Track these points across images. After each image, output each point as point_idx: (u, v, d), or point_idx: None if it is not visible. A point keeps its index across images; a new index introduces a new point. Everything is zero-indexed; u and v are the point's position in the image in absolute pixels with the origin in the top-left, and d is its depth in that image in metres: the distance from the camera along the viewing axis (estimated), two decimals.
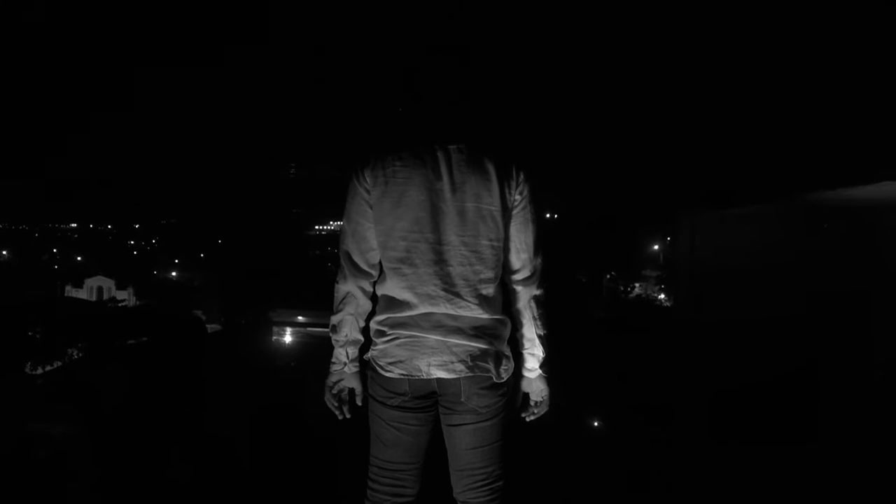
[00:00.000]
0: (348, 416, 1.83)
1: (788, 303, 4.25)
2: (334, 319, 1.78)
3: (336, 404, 1.82)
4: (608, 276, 37.36)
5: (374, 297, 1.81)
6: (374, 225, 1.70)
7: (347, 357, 1.80)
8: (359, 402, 1.83)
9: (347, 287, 1.76)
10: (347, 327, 1.78)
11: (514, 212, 1.71)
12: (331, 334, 1.80)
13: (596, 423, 5.57)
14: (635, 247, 37.41)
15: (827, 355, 4.12)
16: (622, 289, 37.63)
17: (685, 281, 5.63)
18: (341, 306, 1.77)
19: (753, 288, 4.56)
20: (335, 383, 1.82)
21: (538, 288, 1.78)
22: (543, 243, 1.77)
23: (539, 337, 1.80)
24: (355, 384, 1.82)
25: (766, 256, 4.55)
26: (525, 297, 1.78)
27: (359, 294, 1.77)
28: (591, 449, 4.50)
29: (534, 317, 1.79)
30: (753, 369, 4.41)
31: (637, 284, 38.64)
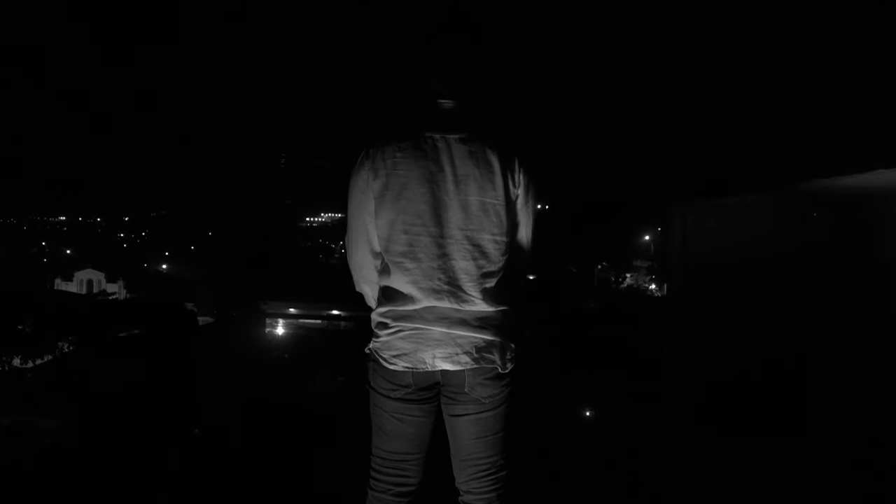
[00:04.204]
0: None
1: (782, 291, 4.26)
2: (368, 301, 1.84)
3: None
4: (599, 267, 37.47)
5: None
6: (376, 219, 1.67)
7: None
8: None
9: (366, 289, 1.81)
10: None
11: (517, 205, 1.70)
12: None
13: (588, 413, 5.59)
14: (626, 237, 37.50)
15: (819, 343, 4.14)
16: (613, 279, 37.76)
17: (677, 270, 5.62)
18: (370, 295, 1.82)
19: (747, 277, 4.57)
20: None
21: (522, 280, 1.81)
22: (537, 238, 1.78)
23: None
24: None
25: (759, 246, 4.55)
26: (507, 284, 1.77)
27: (376, 288, 1.79)
28: (584, 439, 4.52)
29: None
30: (745, 358, 4.43)
31: (628, 275, 38.78)
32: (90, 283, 45.24)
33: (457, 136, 1.65)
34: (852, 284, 4.06)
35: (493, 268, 1.67)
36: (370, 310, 1.77)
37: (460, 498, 1.77)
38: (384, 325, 1.69)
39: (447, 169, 1.63)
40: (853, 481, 3.21)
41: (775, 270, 4.38)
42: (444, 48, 1.67)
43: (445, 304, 1.64)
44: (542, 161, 1.73)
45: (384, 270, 1.71)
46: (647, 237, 38.65)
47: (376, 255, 1.73)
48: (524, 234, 1.73)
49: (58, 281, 44.89)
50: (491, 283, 1.67)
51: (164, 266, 55.12)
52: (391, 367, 1.68)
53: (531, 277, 2.01)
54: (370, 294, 1.80)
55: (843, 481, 3.20)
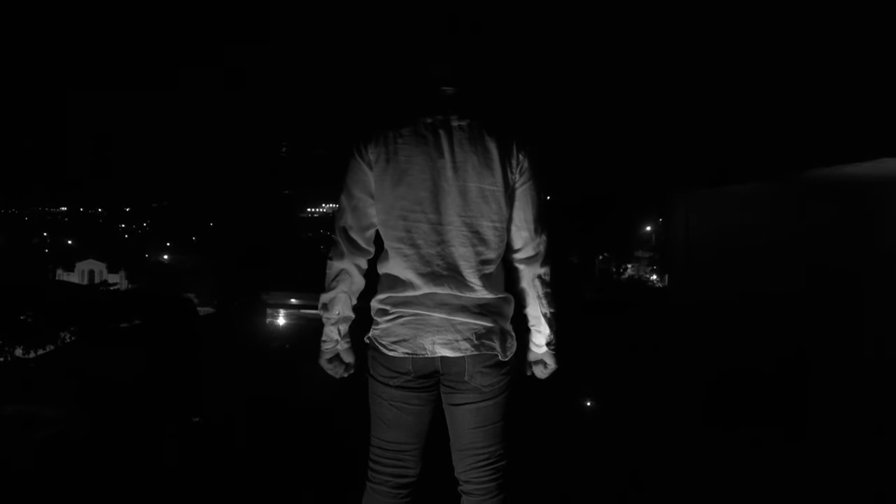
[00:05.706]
0: (346, 374, 1.80)
1: (785, 281, 4.25)
2: (325, 297, 1.73)
3: (332, 369, 1.79)
4: (600, 258, 37.49)
5: (367, 275, 1.77)
6: (375, 202, 1.67)
7: (339, 334, 1.75)
8: (350, 372, 1.81)
9: (342, 264, 1.71)
10: (340, 305, 1.73)
11: (517, 190, 1.68)
12: (321, 312, 1.75)
13: (589, 404, 5.59)
14: (628, 227, 37.51)
15: (820, 334, 4.13)
16: (614, 270, 37.78)
17: (679, 261, 5.61)
18: (334, 283, 1.72)
19: (749, 266, 4.55)
20: (328, 360, 1.78)
21: (542, 266, 1.74)
22: (546, 221, 1.73)
23: (545, 315, 1.76)
24: (349, 359, 1.79)
25: (761, 235, 4.53)
26: (528, 275, 1.74)
27: (354, 271, 1.73)
28: (585, 430, 4.52)
29: (538, 295, 1.75)
30: (746, 349, 4.42)
31: (629, 265, 38.82)
32: (91, 273, 45.39)
33: (457, 123, 1.64)
34: (853, 275, 4.05)
35: (491, 254, 1.66)
36: (370, 299, 1.76)
37: (460, 488, 1.76)
38: (384, 312, 1.68)
39: (447, 155, 1.62)
40: (856, 479, 3.20)
41: (777, 260, 4.36)
42: (439, 37, 1.66)
43: (445, 290, 1.63)
44: (542, 146, 1.71)
45: (383, 257, 1.70)
46: (648, 228, 38.70)
47: (363, 227, 1.70)
48: (530, 216, 1.70)
49: (59, 271, 45.03)
50: (490, 270, 1.66)
51: (166, 257, 55.26)
52: (390, 353, 1.66)
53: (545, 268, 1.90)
54: (339, 267, 1.71)
55: (848, 479, 3.20)
